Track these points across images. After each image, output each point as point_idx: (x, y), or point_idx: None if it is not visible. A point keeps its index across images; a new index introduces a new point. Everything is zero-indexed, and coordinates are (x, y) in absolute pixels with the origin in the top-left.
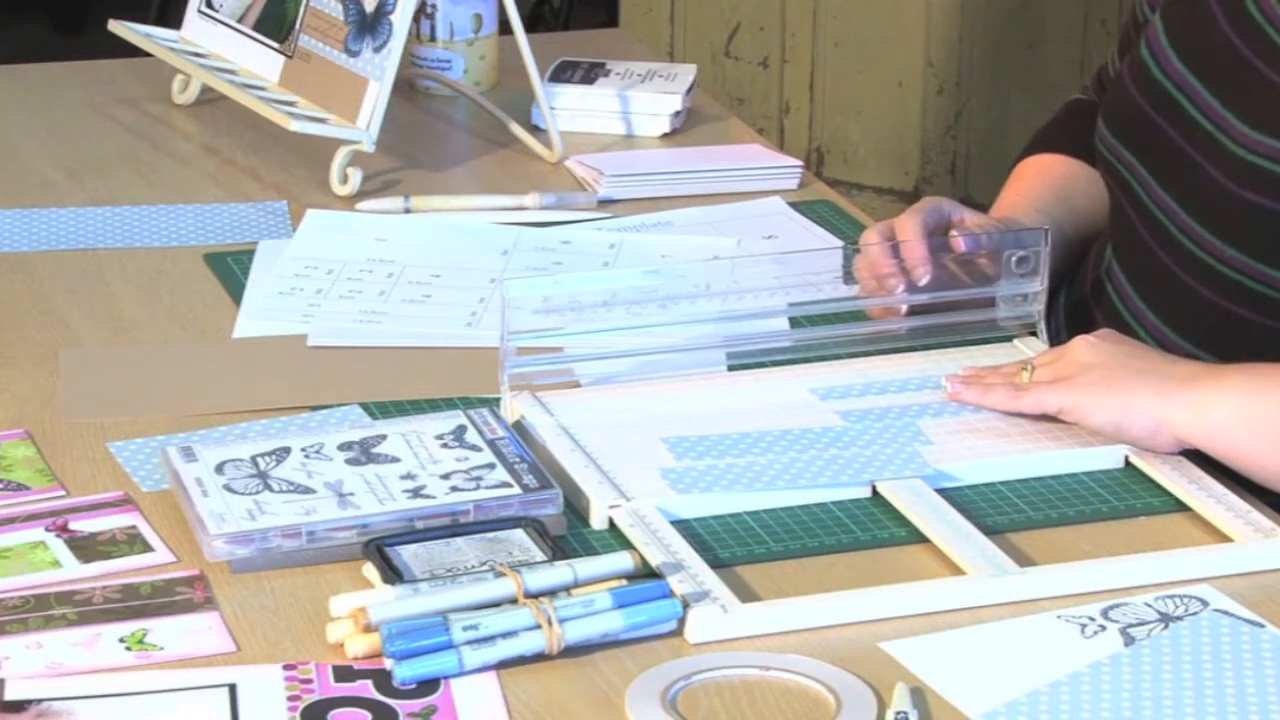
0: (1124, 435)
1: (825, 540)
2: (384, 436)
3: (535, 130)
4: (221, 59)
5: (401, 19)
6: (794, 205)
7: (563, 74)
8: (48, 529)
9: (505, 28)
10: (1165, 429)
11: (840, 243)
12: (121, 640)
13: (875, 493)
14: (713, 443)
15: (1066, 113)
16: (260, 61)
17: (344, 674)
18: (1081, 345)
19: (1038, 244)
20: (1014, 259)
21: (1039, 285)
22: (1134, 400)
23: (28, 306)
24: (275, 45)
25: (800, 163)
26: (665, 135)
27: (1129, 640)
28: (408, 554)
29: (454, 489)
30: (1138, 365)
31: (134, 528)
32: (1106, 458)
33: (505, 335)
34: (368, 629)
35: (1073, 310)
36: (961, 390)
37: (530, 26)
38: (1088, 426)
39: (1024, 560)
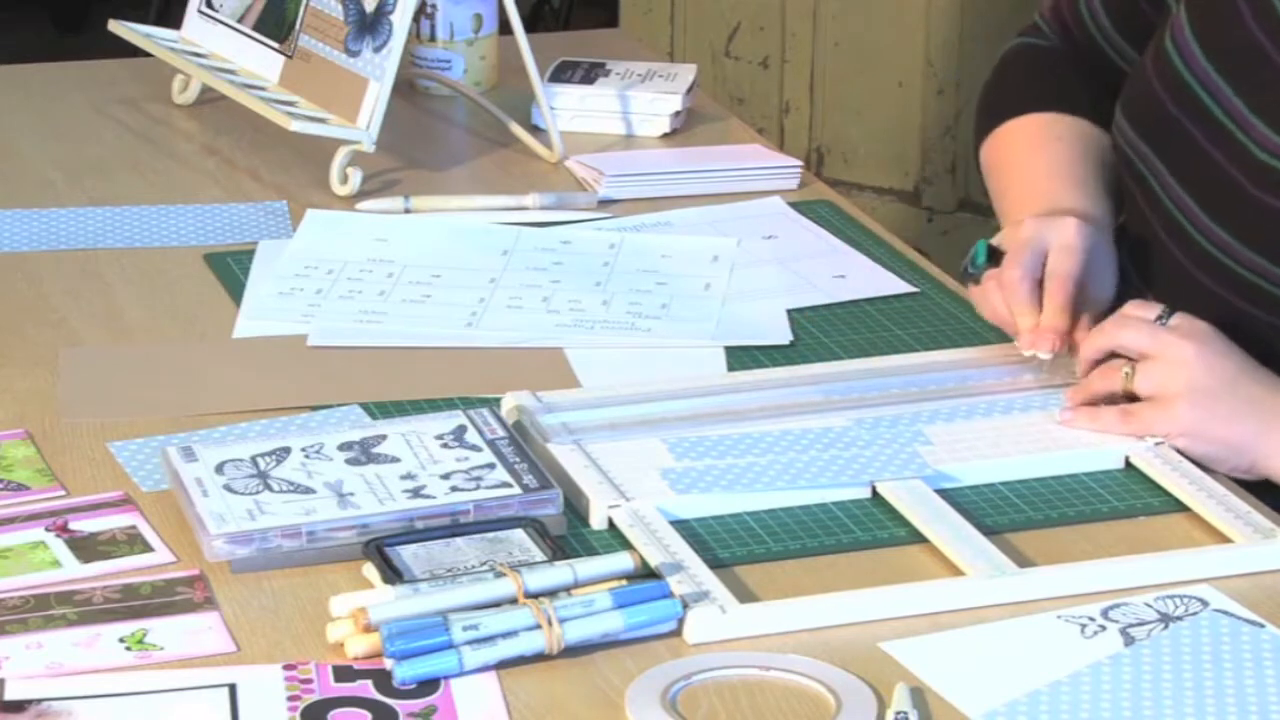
0: (1220, 467)
1: (825, 540)
2: (384, 436)
3: (535, 130)
4: (221, 59)
5: (401, 19)
6: (794, 205)
7: (563, 74)
8: (48, 529)
9: (505, 28)
10: (1261, 465)
11: (840, 243)
12: (121, 640)
13: (875, 493)
14: (713, 443)
15: (1031, 65)
16: (260, 61)
17: (344, 674)
18: (1188, 354)
19: None
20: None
21: None
22: (1240, 438)
23: (28, 306)
24: (275, 45)
25: (800, 163)
26: (665, 135)
27: (1129, 640)
28: (408, 554)
29: (454, 489)
30: (1246, 394)
31: (134, 528)
32: (1106, 458)
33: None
34: (368, 629)
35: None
36: (1071, 417)
37: (530, 26)
38: (1188, 452)
39: (1024, 560)
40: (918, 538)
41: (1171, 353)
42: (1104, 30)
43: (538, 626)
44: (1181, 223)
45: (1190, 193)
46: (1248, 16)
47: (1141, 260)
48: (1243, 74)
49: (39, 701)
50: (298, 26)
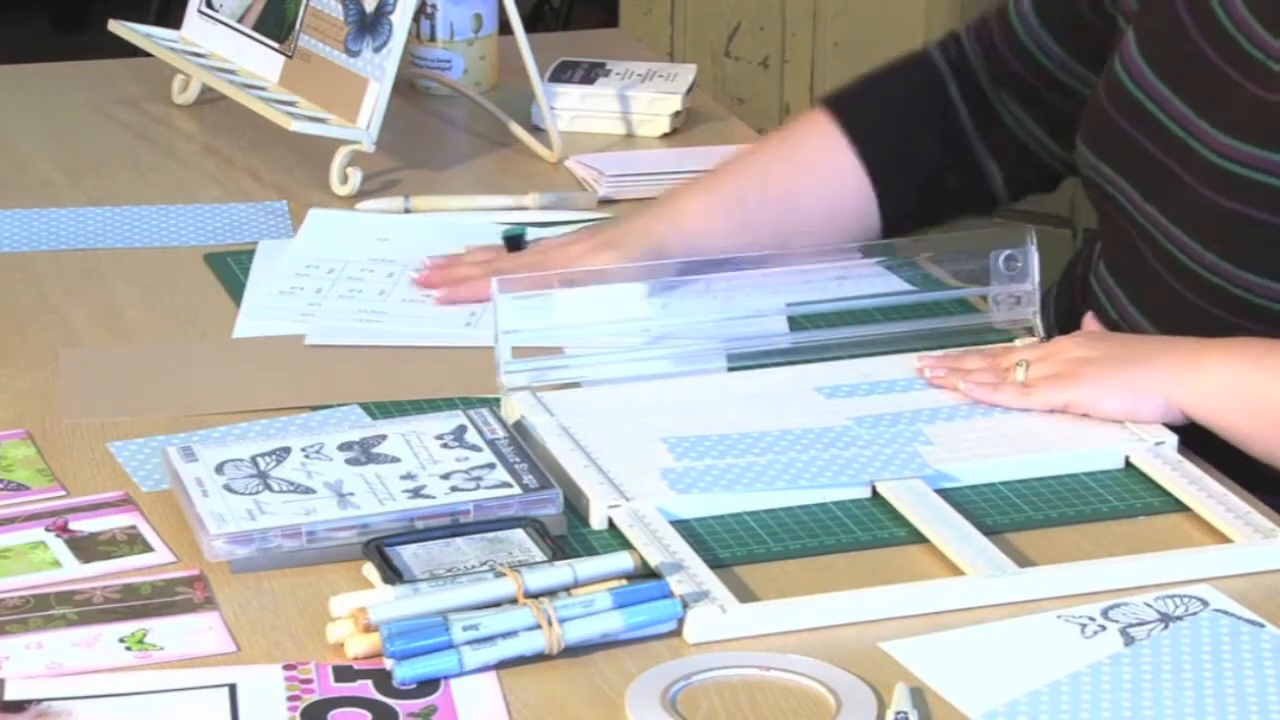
0: (1137, 418)
1: (825, 540)
2: (384, 436)
3: (535, 130)
4: (221, 59)
5: (401, 19)
6: None
7: (563, 74)
8: (48, 529)
9: (505, 28)
10: (1174, 406)
11: (840, 243)
12: (121, 640)
13: (875, 493)
14: (713, 443)
15: (898, 86)
16: (260, 61)
17: (344, 674)
18: (1072, 342)
19: (1024, 243)
20: (1001, 259)
21: (1030, 286)
22: (1142, 383)
23: (28, 306)
24: (275, 45)
25: None
26: (665, 135)
27: (1129, 640)
28: (408, 554)
29: (454, 489)
30: (1134, 351)
31: (134, 528)
32: (1106, 458)
33: (499, 335)
34: (368, 629)
35: (1066, 313)
36: (972, 389)
37: (530, 26)
38: (1100, 415)
39: (1024, 560)
40: (918, 538)
41: (1058, 345)
42: (1053, 56)
43: (538, 626)
44: (1150, 231)
45: (1153, 203)
46: (1191, 28)
47: (1115, 267)
48: (1190, 84)
49: (39, 701)
50: (298, 26)
